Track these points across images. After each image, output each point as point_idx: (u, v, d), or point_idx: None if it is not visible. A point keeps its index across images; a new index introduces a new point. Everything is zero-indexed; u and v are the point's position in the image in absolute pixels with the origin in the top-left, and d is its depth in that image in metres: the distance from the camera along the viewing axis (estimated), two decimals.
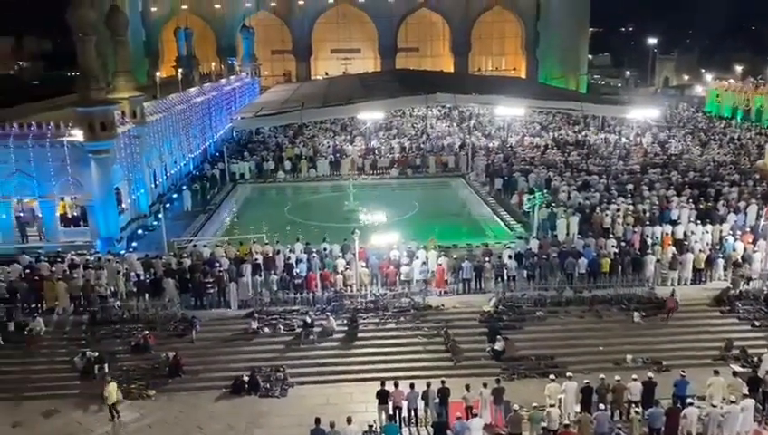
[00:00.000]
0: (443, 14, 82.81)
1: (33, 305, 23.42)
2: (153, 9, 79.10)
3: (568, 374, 18.68)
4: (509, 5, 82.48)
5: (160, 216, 29.47)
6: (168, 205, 34.57)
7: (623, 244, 26.49)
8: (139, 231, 31.23)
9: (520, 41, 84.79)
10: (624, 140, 48.10)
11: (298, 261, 25.05)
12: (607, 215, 29.24)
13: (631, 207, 30.33)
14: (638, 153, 43.27)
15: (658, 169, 38.20)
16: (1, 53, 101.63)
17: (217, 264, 24.92)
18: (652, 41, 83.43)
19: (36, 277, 23.99)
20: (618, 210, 29.84)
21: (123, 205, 30.76)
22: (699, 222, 28.07)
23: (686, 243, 26.55)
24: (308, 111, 42.42)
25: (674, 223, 28.80)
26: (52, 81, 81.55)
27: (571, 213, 29.64)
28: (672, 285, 24.47)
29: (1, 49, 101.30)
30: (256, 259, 25.37)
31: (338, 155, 44.27)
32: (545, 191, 32.68)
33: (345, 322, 22.43)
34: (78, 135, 27.63)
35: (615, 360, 20.78)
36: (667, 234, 27.31)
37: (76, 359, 20.65)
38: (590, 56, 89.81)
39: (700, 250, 25.52)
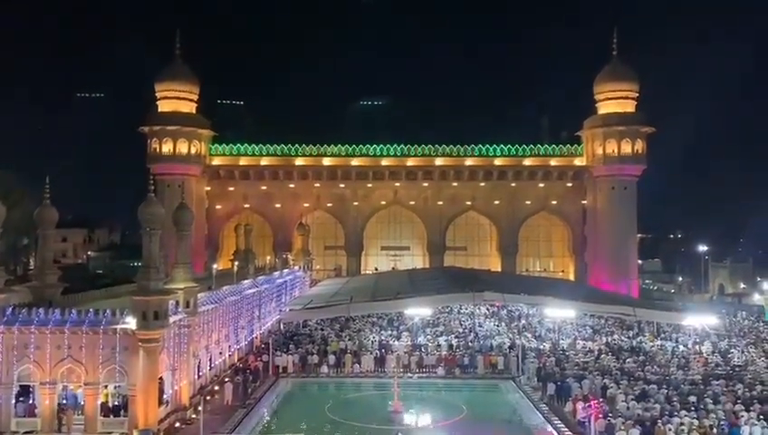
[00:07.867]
0: (490, 216, 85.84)
1: None
2: (218, 207, 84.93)
3: None
4: (555, 211, 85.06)
5: (200, 408, 28.78)
6: (209, 397, 33.96)
7: None
8: (177, 424, 30.35)
9: (567, 244, 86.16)
10: (682, 347, 46.11)
11: None
12: (670, 429, 27.12)
13: (696, 422, 28.10)
14: (699, 362, 41.12)
15: (722, 381, 35.91)
16: (75, 244, 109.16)
17: None
18: (703, 248, 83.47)
19: None
20: (682, 425, 27.66)
21: (165, 395, 30.34)
22: None
23: None
24: (356, 304, 42.80)
25: None
26: (116, 270, 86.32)
27: (631, 425, 27.61)
28: None
29: (74, 239, 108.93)
30: None
31: (383, 350, 43.56)
32: (601, 400, 30.88)
33: None
34: (131, 323, 28.27)
35: None
36: None
37: None
38: (640, 261, 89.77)
39: None
